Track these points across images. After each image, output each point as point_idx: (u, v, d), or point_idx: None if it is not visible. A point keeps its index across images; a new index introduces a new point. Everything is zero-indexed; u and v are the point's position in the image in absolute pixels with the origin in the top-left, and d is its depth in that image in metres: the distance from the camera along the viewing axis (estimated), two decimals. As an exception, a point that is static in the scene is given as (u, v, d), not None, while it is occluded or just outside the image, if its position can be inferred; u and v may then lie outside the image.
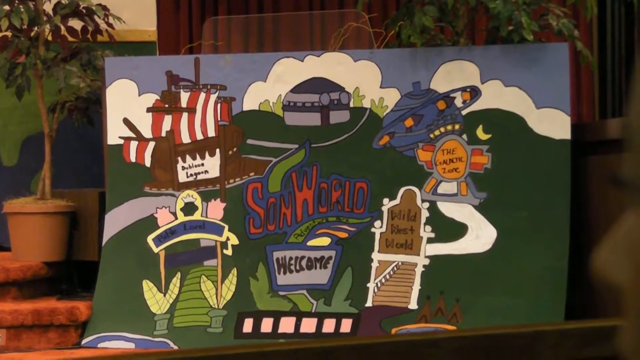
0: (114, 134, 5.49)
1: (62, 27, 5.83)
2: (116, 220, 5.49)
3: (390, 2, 6.13)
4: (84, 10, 5.85)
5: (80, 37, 5.92)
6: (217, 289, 5.35)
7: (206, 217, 5.46)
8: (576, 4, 5.40)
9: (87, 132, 6.23)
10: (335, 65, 5.37)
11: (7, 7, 5.66)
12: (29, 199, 5.98)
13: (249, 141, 5.42)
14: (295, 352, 2.03)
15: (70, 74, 5.67)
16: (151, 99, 5.44)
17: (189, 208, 5.44)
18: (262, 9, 6.76)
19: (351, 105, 5.34)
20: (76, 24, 5.83)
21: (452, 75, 5.29)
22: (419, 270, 5.20)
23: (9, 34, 5.78)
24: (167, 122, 5.47)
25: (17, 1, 5.81)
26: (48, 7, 5.88)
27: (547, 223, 5.12)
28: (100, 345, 5.23)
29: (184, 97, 5.46)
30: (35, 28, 5.87)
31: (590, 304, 5.07)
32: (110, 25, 5.94)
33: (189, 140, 5.47)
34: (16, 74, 5.84)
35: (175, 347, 5.25)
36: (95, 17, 5.85)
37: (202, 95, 5.44)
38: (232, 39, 6.17)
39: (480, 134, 5.20)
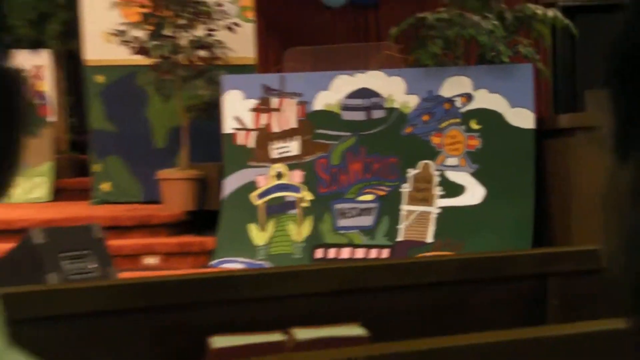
0: (228, 126, 6.70)
1: (194, 55, 7.11)
2: (230, 184, 6.67)
3: (410, 36, 6.73)
4: (207, 44, 6.97)
5: (205, 62, 7.12)
6: (298, 229, 6.54)
7: (290, 181, 6.63)
8: (537, 37, 6.44)
9: (209, 125, 7.10)
10: (375, 79, 6.53)
11: (157, 42, 6.78)
12: (174, 170, 7.16)
13: (318, 130, 6.61)
14: (345, 270, 2.79)
15: (199, 87, 6.93)
16: (252, 103, 6.67)
17: (279, 175, 6.64)
18: (326, 41, 7.66)
19: (385, 106, 6.50)
20: (202, 52, 7.06)
21: (454, 85, 6.41)
22: (433, 216, 6.35)
23: (158, 60, 6.98)
24: (263, 118, 6.68)
25: (162, 38, 6.90)
26: (184, 41, 7.06)
27: (519, 185, 6.20)
28: (221, 266, 6.35)
29: (274, 101, 6.66)
30: (175, 56, 7.04)
31: (547, 243, 6.12)
32: (224, 53, 7.05)
33: (278, 130, 6.67)
34: (164, 87, 7.11)
35: (270, 265, 6.21)
36: (214, 49, 7.10)
37: (286, 100, 6.63)
38: (305, 62, 7.19)
39: (474, 125, 6.35)
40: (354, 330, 2.49)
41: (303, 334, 2.45)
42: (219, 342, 2.40)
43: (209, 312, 2.52)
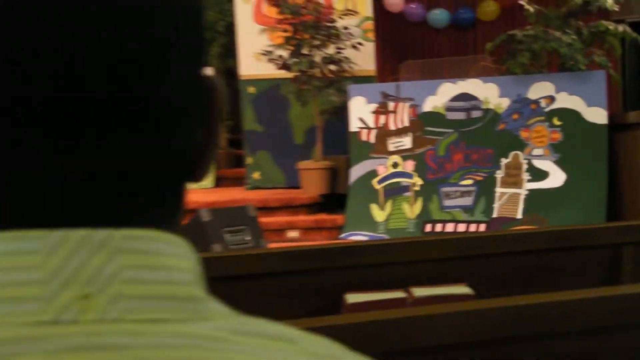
0: (354, 125, 7.28)
1: (326, 69, 7.70)
2: (355, 172, 7.22)
3: (503, 50, 7.09)
4: (337, 60, 7.71)
5: (335, 74, 7.70)
6: (410, 208, 7.06)
7: (404, 169, 7.15)
8: (609, 48, 6.79)
9: (338, 125, 7.72)
10: (473, 86, 7.00)
11: (296, 59, 7.47)
12: (310, 161, 7.86)
13: (427, 128, 7.11)
14: (453, 241, 2.92)
15: (330, 95, 7.58)
16: (373, 106, 7.25)
17: (395, 165, 7.15)
18: (433, 55, 8.14)
19: (482, 107, 6.98)
20: (332, 67, 7.71)
21: (539, 89, 6.82)
22: (522, 197, 6.78)
23: (297, 73, 7.61)
24: (382, 119, 7.23)
25: (301, 56, 7.59)
26: (318, 58, 7.64)
27: (594, 170, 6.54)
28: (349, 238, 6.81)
29: (391, 105, 7.21)
30: (311, 70, 7.58)
31: (618, 218, 6.37)
32: (350, 67, 7.72)
33: (394, 128, 7.21)
34: (302, 95, 7.73)
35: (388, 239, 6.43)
36: (342, 64, 7.72)
37: (401, 104, 7.18)
38: (416, 72, 7.73)
39: (556, 121, 6.76)
40: (462, 290, 2.61)
41: (420, 292, 2.59)
42: (353, 298, 2.58)
43: (342, 274, 2.67)
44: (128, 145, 0.44)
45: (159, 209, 0.46)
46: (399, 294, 2.55)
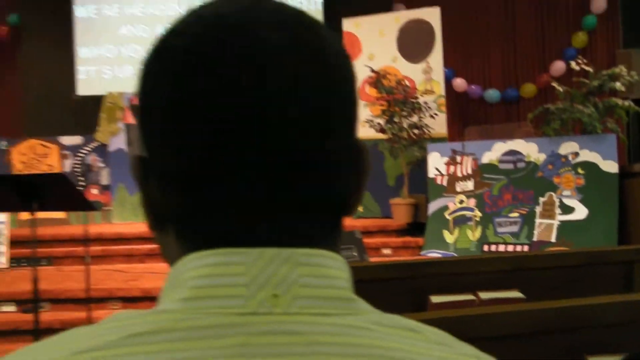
0: (431, 172, 7.91)
1: (411, 132, 8.13)
2: (432, 207, 7.84)
3: (540, 119, 7.63)
4: (419, 126, 8.15)
5: (417, 136, 8.07)
6: (472, 233, 7.61)
7: (468, 205, 7.71)
8: (618, 117, 7.32)
9: (420, 172, 8.18)
10: (519, 144, 7.58)
11: (390, 125, 8.10)
12: (399, 198, 8.21)
13: (484, 175, 7.70)
14: (507, 258, 3.01)
15: (414, 151, 8.07)
16: (445, 159, 7.80)
17: (461, 202, 7.75)
18: (489, 122, 8.81)
19: (525, 160, 7.51)
20: (416, 131, 8.15)
21: (567, 147, 7.35)
22: (555, 226, 7.26)
23: (391, 135, 8.03)
24: (451, 168, 7.85)
25: (393, 123, 8.13)
26: (406, 124, 8.07)
27: (608, 207, 6.95)
28: (428, 254, 7.33)
29: (458, 158, 7.82)
30: (401, 133, 7.97)
31: (628, 243, 6.55)
32: (429, 131, 8.21)
33: (461, 175, 7.78)
34: (394, 151, 8.13)
35: (457, 256, 6.86)
36: (423, 128, 8.10)
37: (465, 157, 7.80)
38: (476, 135, 8.39)
39: (580, 171, 7.26)
40: (515, 294, 2.68)
41: (484, 295, 2.67)
42: (436, 299, 2.67)
43: (426, 281, 2.77)
44: (311, 187, 0.51)
45: (326, 234, 0.54)
46: (469, 297, 2.65)
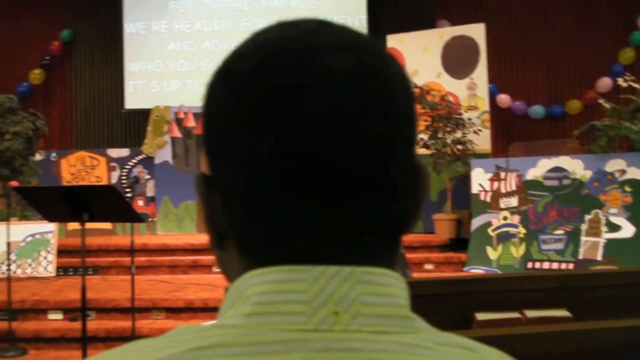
0: (475, 188, 7.97)
1: (455, 148, 8.21)
2: (476, 222, 7.89)
3: (586, 136, 7.69)
4: (463, 142, 8.23)
5: (461, 152, 8.13)
6: (516, 250, 7.60)
7: (511, 221, 7.75)
8: None
9: (463, 188, 8.29)
10: (564, 161, 7.61)
11: (433, 141, 8.11)
12: (442, 214, 8.32)
13: (529, 191, 7.72)
14: (554, 276, 2.89)
15: (458, 166, 8.11)
16: (489, 175, 7.91)
17: (504, 218, 7.79)
18: (533, 138, 8.77)
19: (571, 177, 7.54)
20: (459, 146, 8.25)
21: (614, 164, 7.38)
22: (601, 244, 7.27)
23: (434, 151, 8.02)
24: (495, 184, 7.89)
25: (437, 138, 8.10)
26: (449, 140, 8.09)
27: None
28: (470, 271, 7.42)
29: (502, 174, 7.78)
30: (444, 148, 8.00)
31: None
32: (472, 147, 8.23)
33: (505, 191, 7.83)
34: (437, 166, 8.13)
35: (500, 273, 7.07)
36: (466, 144, 8.19)
37: (510, 174, 7.85)
38: (521, 151, 8.35)
39: (627, 188, 7.32)
40: (562, 313, 2.63)
41: (531, 313, 2.62)
42: (481, 316, 2.62)
43: (471, 298, 2.71)
44: (372, 207, 0.52)
45: (385, 252, 0.55)
46: (515, 315, 2.60)
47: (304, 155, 0.51)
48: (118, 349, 0.54)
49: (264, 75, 0.53)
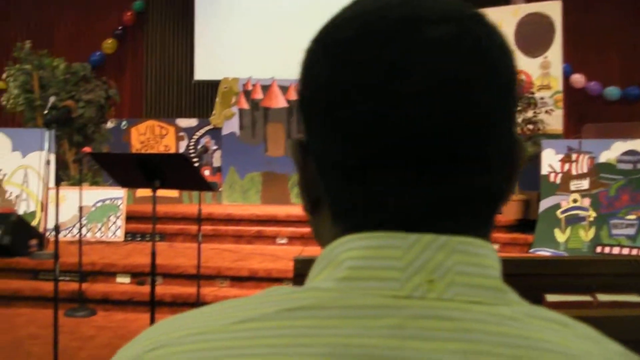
0: (544, 169, 7.84)
1: (525, 128, 8.23)
2: (544, 204, 7.80)
3: None
4: (533, 121, 8.16)
5: (531, 132, 8.13)
6: (585, 233, 7.59)
7: (581, 204, 7.70)
8: None
9: (532, 169, 7.95)
10: (638, 146, 7.57)
11: None
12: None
13: (601, 174, 7.68)
14: (626, 261, 3.02)
15: (527, 146, 7.82)
16: (560, 156, 7.84)
17: (574, 200, 7.75)
18: (608, 120, 8.57)
19: None
20: (530, 126, 8.23)
21: None
22: None
23: None
24: (566, 166, 7.82)
25: None
26: (520, 120, 7.95)
27: None
28: (536, 253, 7.38)
29: (574, 156, 7.76)
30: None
31: None
32: (544, 127, 8.20)
33: (575, 173, 7.80)
34: None
35: (566, 255, 7.08)
36: (537, 124, 8.18)
37: (582, 156, 7.81)
38: (594, 133, 8.23)
39: None
40: (634, 298, 2.64)
41: (602, 297, 2.65)
42: (551, 298, 2.64)
43: (542, 280, 2.72)
44: (471, 179, 0.52)
45: (481, 224, 0.55)
46: (586, 298, 2.62)
47: (402, 126, 0.50)
48: (209, 308, 0.54)
49: (363, 46, 0.52)
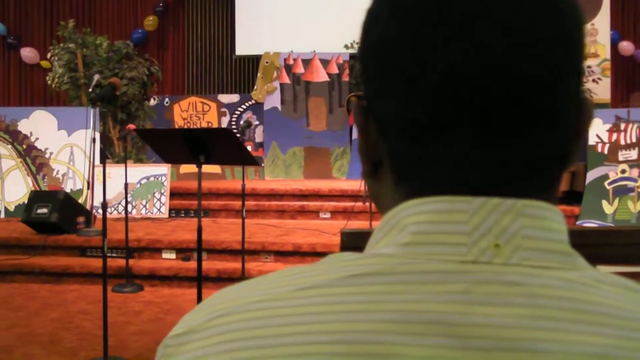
0: (592, 140, 7.82)
1: None
2: (591, 175, 7.82)
3: None
4: (586, 90, 8.67)
5: None
6: (634, 205, 7.67)
7: (630, 175, 7.73)
8: None
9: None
10: None
11: None
12: None
13: None
14: None
15: None
16: (607, 126, 7.82)
17: (622, 171, 7.73)
18: None
19: None
20: None
21: None
22: None
23: None
24: (614, 136, 7.82)
25: None
26: None
27: None
28: (583, 224, 7.44)
29: (622, 125, 7.79)
30: None
31: None
32: (591, 96, 8.00)
33: (624, 143, 7.83)
34: None
35: (614, 227, 7.05)
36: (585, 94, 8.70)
37: (630, 125, 7.84)
38: None
39: None
40: None
41: None
42: (602, 269, 2.92)
43: (591, 250, 2.44)
44: (538, 139, 0.52)
45: (547, 186, 0.54)
46: (637, 269, 2.59)
47: (474, 82, 0.50)
48: (272, 275, 0.55)
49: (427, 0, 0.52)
